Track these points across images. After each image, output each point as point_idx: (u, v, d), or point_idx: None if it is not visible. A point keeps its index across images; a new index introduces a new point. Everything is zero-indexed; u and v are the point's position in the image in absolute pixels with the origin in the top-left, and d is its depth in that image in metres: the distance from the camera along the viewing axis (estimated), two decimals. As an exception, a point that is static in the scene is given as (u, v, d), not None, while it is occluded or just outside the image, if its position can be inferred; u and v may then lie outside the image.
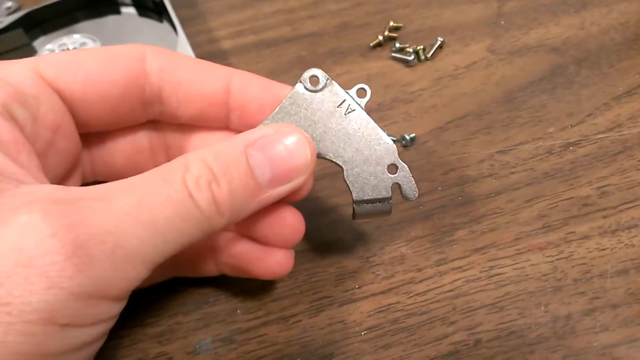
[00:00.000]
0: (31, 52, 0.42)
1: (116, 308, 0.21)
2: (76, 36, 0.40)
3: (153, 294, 0.30)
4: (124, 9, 0.44)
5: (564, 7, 0.42)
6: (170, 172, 0.22)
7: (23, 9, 0.43)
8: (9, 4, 0.47)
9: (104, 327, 0.21)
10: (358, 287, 0.30)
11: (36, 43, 0.43)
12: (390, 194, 0.26)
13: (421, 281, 0.30)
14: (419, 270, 0.30)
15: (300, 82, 0.26)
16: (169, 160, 0.29)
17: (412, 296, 0.29)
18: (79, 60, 0.25)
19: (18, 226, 0.18)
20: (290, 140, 0.24)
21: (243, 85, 0.26)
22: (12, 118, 0.22)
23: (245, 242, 0.27)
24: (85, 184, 0.29)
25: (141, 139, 0.29)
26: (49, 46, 0.40)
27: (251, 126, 0.26)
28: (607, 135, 0.34)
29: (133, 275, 0.20)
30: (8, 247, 0.18)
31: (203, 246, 0.28)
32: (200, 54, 0.39)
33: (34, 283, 0.18)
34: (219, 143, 0.23)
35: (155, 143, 0.29)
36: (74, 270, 0.18)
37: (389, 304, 0.29)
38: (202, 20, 0.45)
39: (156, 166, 0.29)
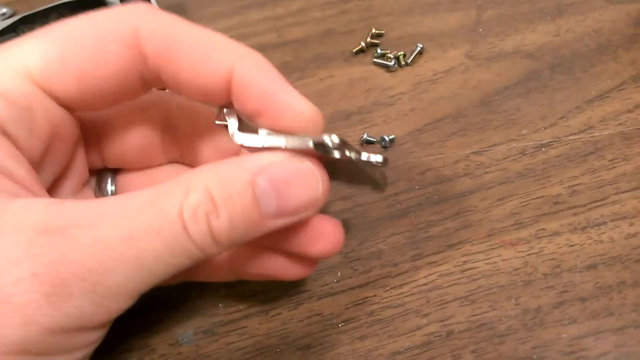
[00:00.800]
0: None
1: (96, 336, 0.21)
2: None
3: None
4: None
5: (541, 14, 0.43)
6: (168, 197, 0.20)
7: (17, 15, 0.44)
8: (4, 10, 0.48)
9: (84, 352, 0.21)
10: (336, 282, 0.31)
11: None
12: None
13: (397, 275, 0.31)
14: (395, 265, 0.31)
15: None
16: (180, 154, 0.29)
17: (388, 289, 0.30)
18: (68, 57, 0.22)
19: (0, 260, 0.18)
20: (302, 172, 0.22)
21: (244, 82, 0.23)
22: (5, 133, 0.21)
23: (271, 253, 0.26)
24: (94, 171, 0.29)
25: (152, 133, 0.28)
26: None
27: (249, 118, 0.24)
28: (578, 136, 0.36)
29: (115, 308, 0.20)
30: None
31: (220, 256, 0.27)
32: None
33: (9, 318, 0.18)
34: (225, 163, 0.21)
35: (167, 137, 0.28)
36: (51, 308, 0.18)
37: (366, 297, 0.30)
38: (191, 27, 0.47)
39: (168, 160, 0.29)
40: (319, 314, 0.30)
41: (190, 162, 0.29)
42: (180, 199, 0.20)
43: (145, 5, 0.23)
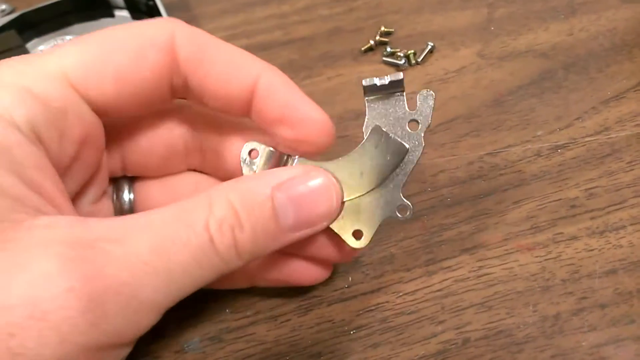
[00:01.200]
0: (24, 53, 0.42)
1: (125, 352, 0.21)
2: (68, 37, 0.40)
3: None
4: (117, 12, 0.45)
5: (553, 13, 0.42)
6: (193, 212, 0.21)
7: (17, 11, 0.43)
8: (3, 6, 0.47)
9: None
10: (347, 287, 0.30)
11: (29, 45, 0.43)
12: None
13: (410, 281, 0.30)
14: (408, 270, 0.30)
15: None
16: (203, 163, 0.29)
17: (400, 295, 0.29)
18: (107, 59, 0.23)
19: (33, 275, 0.18)
20: (317, 184, 0.23)
21: (268, 91, 0.24)
22: (38, 139, 0.21)
23: (289, 259, 0.27)
24: (113, 180, 0.28)
25: (176, 142, 0.28)
26: (41, 47, 0.40)
27: (264, 130, 0.25)
28: (595, 138, 0.35)
29: (145, 323, 0.20)
30: (23, 298, 0.17)
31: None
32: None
33: (47, 337, 0.17)
34: (245, 179, 0.23)
35: (190, 146, 0.28)
36: (87, 325, 0.18)
37: (378, 304, 0.29)
38: (195, 24, 0.45)
39: (187, 167, 0.29)
40: (329, 321, 0.29)
41: (211, 170, 0.29)
42: (207, 213, 0.21)
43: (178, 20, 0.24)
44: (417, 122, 0.25)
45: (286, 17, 0.45)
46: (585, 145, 0.34)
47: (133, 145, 0.27)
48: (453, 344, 0.28)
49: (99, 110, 0.24)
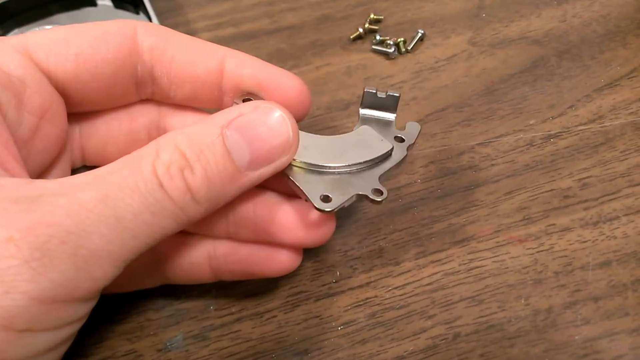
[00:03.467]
0: (3, 44, 0.41)
1: (83, 309, 0.20)
2: (48, 27, 0.39)
3: (123, 290, 0.29)
4: (99, 1, 0.43)
5: (546, -1, 0.41)
6: (140, 159, 0.20)
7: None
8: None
9: (70, 330, 0.20)
10: (335, 282, 0.29)
11: (10, 35, 0.42)
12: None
13: (399, 275, 0.29)
14: (397, 263, 0.30)
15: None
16: None
17: (390, 290, 0.29)
18: (70, 39, 0.24)
19: None
20: (269, 116, 0.22)
21: (237, 66, 0.25)
22: None
23: (249, 246, 0.26)
24: (74, 170, 0.28)
25: (138, 130, 0.27)
26: (20, 37, 0.38)
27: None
28: (588, 126, 0.34)
29: (100, 274, 0.19)
30: None
31: (198, 255, 0.26)
32: (178, 47, 0.38)
33: None
34: (193, 124, 0.22)
35: (154, 136, 0.27)
36: (31, 273, 0.17)
37: (367, 298, 0.29)
38: (180, 12, 0.44)
39: None
40: (317, 317, 0.28)
41: None
42: (153, 158, 0.20)
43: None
44: (403, 139, 0.27)
45: (274, 5, 0.44)
46: (578, 134, 0.34)
47: (92, 133, 0.27)
48: (443, 339, 0.27)
49: (60, 87, 0.24)
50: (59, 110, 0.24)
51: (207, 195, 0.21)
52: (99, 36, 0.24)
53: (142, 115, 0.27)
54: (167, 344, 0.28)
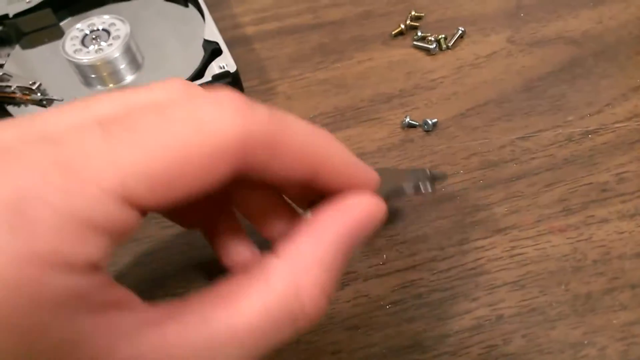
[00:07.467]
0: (59, 32, 0.43)
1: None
2: (105, 17, 0.41)
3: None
4: (150, -7, 0.45)
5: (582, 1, 0.42)
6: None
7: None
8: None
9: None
10: (382, 264, 0.31)
11: (64, 23, 0.44)
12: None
13: (444, 259, 0.31)
14: (442, 249, 0.31)
15: None
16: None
17: (435, 273, 0.30)
18: (175, 179, 0.17)
19: None
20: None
21: (331, 171, 0.21)
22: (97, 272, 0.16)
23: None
24: None
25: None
26: (78, 26, 0.40)
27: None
28: (625, 124, 0.35)
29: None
30: None
31: None
32: (224, 39, 0.40)
33: None
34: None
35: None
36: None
37: (413, 280, 0.30)
38: (226, 6, 0.46)
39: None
40: (365, 295, 0.30)
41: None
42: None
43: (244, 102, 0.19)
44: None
45: (317, 1, 0.46)
46: (615, 131, 0.35)
47: None
48: (487, 320, 0.28)
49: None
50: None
51: None
52: (206, 165, 0.18)
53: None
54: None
